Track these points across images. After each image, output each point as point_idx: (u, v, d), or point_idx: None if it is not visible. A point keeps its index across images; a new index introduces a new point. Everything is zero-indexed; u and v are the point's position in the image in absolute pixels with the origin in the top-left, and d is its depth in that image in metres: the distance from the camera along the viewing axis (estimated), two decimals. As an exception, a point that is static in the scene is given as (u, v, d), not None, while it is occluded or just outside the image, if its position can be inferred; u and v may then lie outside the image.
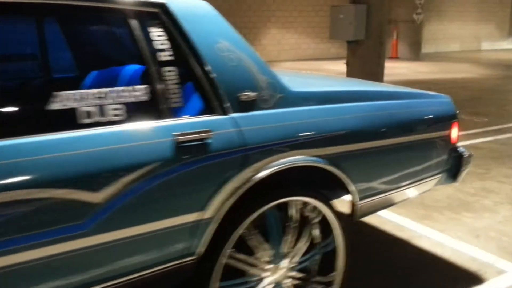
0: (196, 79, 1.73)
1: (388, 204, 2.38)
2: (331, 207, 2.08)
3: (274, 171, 1.83)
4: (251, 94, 1.84)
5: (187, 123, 1.67)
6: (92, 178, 1.44)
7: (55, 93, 1.43)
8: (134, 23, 1.62)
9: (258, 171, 1.80)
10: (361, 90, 2.42)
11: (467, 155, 2.62)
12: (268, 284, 1.99)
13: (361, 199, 2.18)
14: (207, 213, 1.70)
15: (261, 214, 1.87)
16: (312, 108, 2.02)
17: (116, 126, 1.53)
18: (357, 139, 2.12)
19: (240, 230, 1.82)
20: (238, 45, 1.85)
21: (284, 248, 2.01)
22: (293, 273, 2.07)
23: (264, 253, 1.95)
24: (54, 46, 1.70)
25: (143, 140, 1.56)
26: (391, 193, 2.34)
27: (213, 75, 1.75)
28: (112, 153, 1.49)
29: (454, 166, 2.61)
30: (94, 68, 1.67)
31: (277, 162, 1.84)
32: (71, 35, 1.70)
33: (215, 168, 1.70)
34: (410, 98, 2.51)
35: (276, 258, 1.99)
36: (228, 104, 1.78)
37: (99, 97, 1.51)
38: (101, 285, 1.51)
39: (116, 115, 1.54)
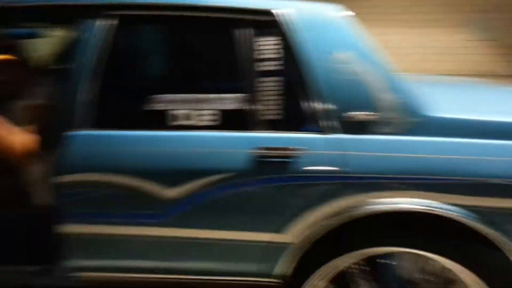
0: (298, 92, 1.60)
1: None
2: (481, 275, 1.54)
3: (384, 211, 1.51)
4: (366, 114, 1.56)
5: (275, 137, 1.58)
6: (171, 174, 1.57)
7: (156, 95, 1.63)
8: (244, 32, 1.63)
9: (359, 206, 1.53)
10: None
11: None
12: None
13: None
14: (285, 237, 1.57)
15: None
16: (458, 141, 1.53)
17: (205, 131, 1.61)
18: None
19: (333, 268, 1.60)
20: (362, 57, 1.59)
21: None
22: None
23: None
24: (168, 53, 1.89)
25: (227, 147, 1.58)
26: None
27: (318, 89, 1.58)
28: (195, 155, 1.58)
29: None
30: (201, 75, 1.78)
31: (389, 200, 1.51)
32: (184, 43, 1.84)
33: (301, 190, 1.55)
34: None
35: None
36: (333, 123, 1.57)
37: (196, 102, 1.62)
38: (163, 275, 1.64)
39: (208, 120, 1.62)
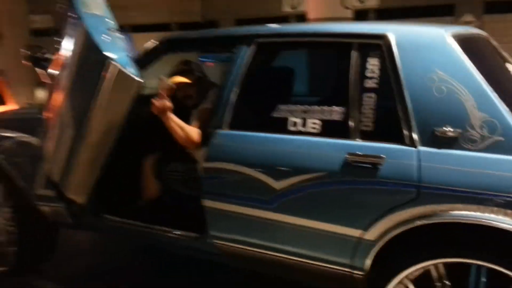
0: (393, 107, 1.79)
1: None
2: None
3: (460, 221, 1.60)
4: (453, 130, 1.66)
5: (364, 145, 1.80)
6: (280, 169, 1.96)
7: (279, 105, 2.04)
8: (353, 53, 1.91)
9: (437, 215, 1.64)
10: None
11: None
12: None
13: None
14: (367, 235, 1.77)
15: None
16: None
17: (312, 136, 1.94)
18: None
19: (412, 268, 1.73)
20: (459, 77, 1.69)
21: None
22: None
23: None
24: (293, 71, 2.19)
25: (326, 151, 1.88)
26: None
27: (410, 104, 1.74)
28: (302, 155, 1.93)
29: None
30: (316, 89, 2.07)
31: (466, 213, 1.59)
32: (304, 63, 2.10)
33: (382, 194, 1.74)
34: None
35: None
36: (419, 136, 1.71)
37: (305, 112, 1.97)
38: (268, 252, 2.01)
39: (315, 128, 1.94)
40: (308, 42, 2.08)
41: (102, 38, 2.02)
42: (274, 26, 2.21)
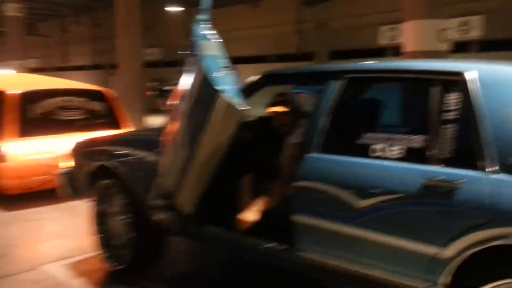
0: (471, 137, 1.95)
1: None
2: None
3: None
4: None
5: (444, 171, 1.98)
6: (364, 189, 2.19)
7: (365, 133, 2.28)
8: (436, 89, 2.11)
9: (509, 236, 1.78)
10: None
11: None
12: None
13: None
14: (447, 253, 1.93)
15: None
16: None
17: (395, 161, 2.15)
18: None
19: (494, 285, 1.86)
20: None
21: None
22: None
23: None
24: (377, 102, 2.38)
25: (408, 175, 2.08)
26: None
27: (488, 136, 1.90)
28: (385, 178, 2.15)
29: None
30: (399, 119, 2.27)
31: None
32: (388, 96, 2.29)
33: (461, 216, 1.90)
34: None
35: None
36: (497, 165, 1.86)
37: (389, 139, 2.19)
38: (350, 265, 2.22)
39: (398, 154, 2.16)
40: (391, 78, 2.32)
41: (215, 75, 2.42)
42: (361, 63, 2.48)
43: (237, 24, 19.46)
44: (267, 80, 2.90)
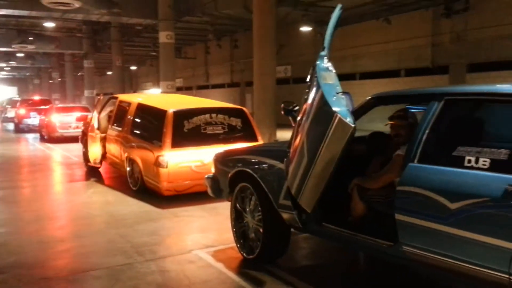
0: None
1: None
2: None
3: None
4: None
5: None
6: (454, 195, 2.58)
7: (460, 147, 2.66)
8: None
9: None
10: None
11: None
12: None
13: None
14: (521, 248, 2.26)
15: None
16: None
17: (480, 170, 2.51)
18: None
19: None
20: None
21: None
22: None
23: None
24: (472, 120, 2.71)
25: (493, 182, 2.43)
26: None
27: None
28: (475, 185, 2.52)
29: None
30: (487, 134, 2.59)
31: None
32: (474, 116, 2.62)
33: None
34: None
35: None
36: None
37: (479, 152, 2.55)
38: (443, 258, 2.60)
39: (486, 164, 2.51)
40: (479, 100, 2.70)
41: (332, 99, 3.00)
42: (457, 87, 2.86)
43: (368, 39, 19.69)
44: (376, 101, 3.39)
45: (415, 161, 2.86)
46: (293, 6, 16.67)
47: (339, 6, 3.47)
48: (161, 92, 18.90)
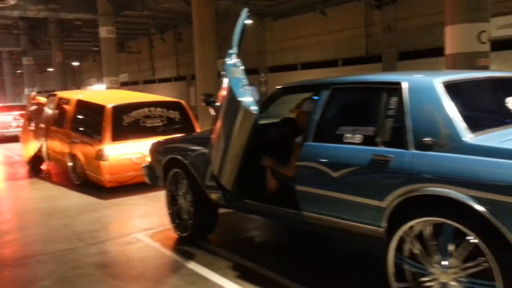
0: (399, 126, 2.86)
1: None
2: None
3: (428, 194, 2.64)
4: (429, 139, 2.69)
5: (383, 150, 2.91)
6: (336, 166, 3.17)
7: (341, 127, 3.26)
8: (383, 94, 3.04)
9: (418, 190, 2.69)
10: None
11: None
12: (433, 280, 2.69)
13: None
14: (383, 203, 2.87)
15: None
16: (478, 159, 2.46)
17: (355, 145, 3.11)
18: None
19: (410, 225, 2.77)
20: (437, 106, 2.73)
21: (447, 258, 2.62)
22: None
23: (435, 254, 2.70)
24: (349, 105, 3.35)
25: (366, 154, 3.02)
26: None
27: (409, 125, 2.81)
28: (349, 157, 3.11)
29: None
30: (360, 116, 3.21)
31: (430, 189, 2.62)
32: (355, 99, 3.30)
33: (391, 178, 2.83)
34: None
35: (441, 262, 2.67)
36: (412, 144, 2.77)
37: (354, 131, 3.15)
38: (328, 217, 3.20)
39: (358, 140, 3.11)
40: (356, 87, 3.33)
41: (238, 90, 3.51)
42: (341, 77, 3.45)
43: (307, 31, 20.45)
44: (282, 91, 3.95)
45: (310, 140, 3.43)
46: (232, 0, 17.11)
47: (245, 10, 3.98)
48: (106, 88, 18.87)
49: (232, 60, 3.73)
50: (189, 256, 4.30)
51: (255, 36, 21.60)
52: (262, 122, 4.36)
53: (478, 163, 2.48)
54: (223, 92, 3.77)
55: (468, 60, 7.37)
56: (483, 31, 7.62)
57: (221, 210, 4.67)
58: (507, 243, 2.36)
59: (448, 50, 7.91)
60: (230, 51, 3.78)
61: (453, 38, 7.83)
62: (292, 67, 21.14)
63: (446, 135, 2.66)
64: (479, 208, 2.43)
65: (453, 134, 2.63)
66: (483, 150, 2.49)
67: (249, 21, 19.85)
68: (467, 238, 2.53)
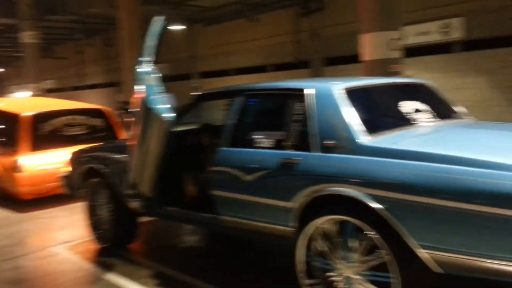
0: (305, 131, 3.00)
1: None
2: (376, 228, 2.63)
3: (330, 193, 2.78)
4: (331, 142, 2.84)
5: (290, 153, 3.03)
6: (249, 170, 3.25)
7: (252, 132, 3.35)
8: (290, 101, 3.17)
9: (322, 191, 2.82)
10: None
11: None
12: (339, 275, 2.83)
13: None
14: (291, 204, 2.98)
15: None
16: (373, 159, 2.64)
17: (263, 149, 3.21)
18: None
19: (316, 224, 2.90)
20: (337, 111, 2.89)
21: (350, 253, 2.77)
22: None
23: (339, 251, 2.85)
24: (261, 111, 3.49)
25: (271, 157, 3.12)
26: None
27: (313, 130, 2.95)
28: (258, 161, 3.20)
29: None
30: (270, 122, 3.34)
31: (332, 189, 2.77)
32: (266, 105, 3.44)
33: (298, 180, 2.95)
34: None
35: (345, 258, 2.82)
36: (316, 147, 2.91)
37: (267, 136, 3.25)
38: (243, 220, 3.28)
39: (269, 144, 3.21)
40: (266, 94, 3.45)
41: (152, 97, 3.51)
42: (252, 84, 3.56)
43: (239, 37, 20.64)
44: (200, 98, 3.99)
45: (223, 145, 3.49)
46: (160, 5, 16.91)
47: (162, 18, 3.98)
48: (31, 95, 17.97)
49: (145, 67, 3.72)
50: (109, 267, 4.21)
51: (186, 42, 21.49)
52: (182, 128, 4.40)
53: (373, 164, 2.65)
54: (135, 100, 3.75)
55: (382, 66, 7.77)
56: (394, 38, 8.08)
57: (144, 219, 4.62)
58: (402, 237, 2.54)
59: (365, 57, 8.30)
60: (142, 59, 3.77)
61: (367, 46, 8.22)
62: (224, 73, 21.24)
63: (344, 138, 2.82)
64: (375, 205, 2.59)
65: (351, 137, 2.79)
66: (378, 151, 2.67)
67: (181, 27, 19.75)
68: (366, 233, 2.69)
